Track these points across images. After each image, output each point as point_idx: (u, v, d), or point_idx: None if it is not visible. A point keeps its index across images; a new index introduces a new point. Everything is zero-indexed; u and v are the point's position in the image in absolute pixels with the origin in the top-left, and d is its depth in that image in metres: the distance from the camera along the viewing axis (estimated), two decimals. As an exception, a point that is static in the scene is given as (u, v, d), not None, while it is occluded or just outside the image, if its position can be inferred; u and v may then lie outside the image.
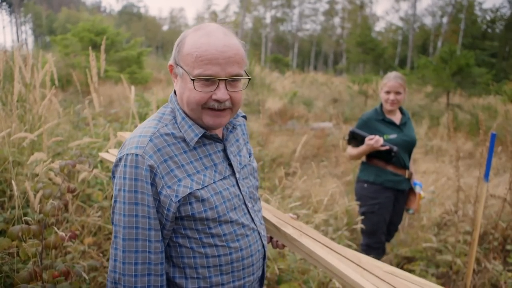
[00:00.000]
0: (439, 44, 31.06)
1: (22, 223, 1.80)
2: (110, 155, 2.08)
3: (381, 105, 2.97)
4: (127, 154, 1.07)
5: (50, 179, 2.60)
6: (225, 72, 1.08)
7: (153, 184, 1.06)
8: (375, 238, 2.98)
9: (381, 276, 1.36)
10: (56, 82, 3.06)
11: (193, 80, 1.07)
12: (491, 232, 3.49)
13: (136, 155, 1.05)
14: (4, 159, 2.50)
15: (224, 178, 1.18)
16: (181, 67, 1.11)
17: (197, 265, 1.14)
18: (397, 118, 2.96)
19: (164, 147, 1.09)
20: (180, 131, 1.14)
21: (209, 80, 1.08)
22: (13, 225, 2.12)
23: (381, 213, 2.92)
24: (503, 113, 10.13)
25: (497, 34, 27.35)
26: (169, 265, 1.16)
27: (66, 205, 2.17)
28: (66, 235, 1.79)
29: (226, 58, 1.07)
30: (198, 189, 1.10)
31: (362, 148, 2.81)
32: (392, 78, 2.86)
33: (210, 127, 1.15)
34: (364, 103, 12.51)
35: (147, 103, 6.14)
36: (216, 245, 1.14)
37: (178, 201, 1.08)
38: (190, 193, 1.09)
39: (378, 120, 2.93)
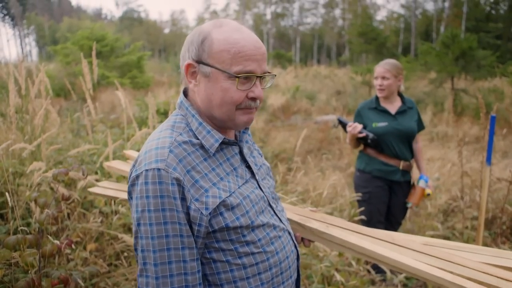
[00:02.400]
0: (442, 29, 30.61)
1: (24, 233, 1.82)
2: (101, 189, 2.03)
3: (378, 94, 2.96)
4: (147, 170, 0.96)
5: (51, 188, 2.62)
6: (261, 68, 1.05)
7: (183, 198, 0.97)
8: (371, 227, 2.96)
9: (419, 249, 1.34)
10: (50, 91, 3.07)
11: (237, 77, 1.01)
12: (499, 216, 3.44)
13: (158, 169, 0.95)
14: (5, 170, 2.52)
15: (246, 181, 1.13)
16: (210, 66, 1.03)
17: (236, 279, 1.06)
18: (394, 106, 2.91)
19: (185, 157, 1.01)
20: (198, 138, 1.07)
21: (247, 78, 1.03)
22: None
23: (372, 203, 2.91)
24: (510, 94, 9.97)
25: (501, 15, 26.86)
26: (204, 284, 1.07)
27: (61, 213, 2.18)
28: (63, 243, 1.80)
29: (262, 54, 1.05)
30: (227, 197, 1.04)
31: (347, 135, 2.88)
32: (380, 65, 2.86)
33: (241, 126, 1.10)
34: (368, 93, 12.42)
35: (147, 107, 6.15)
36: (252, 253, 1.07)
37: (209, 213, 1.00)
38: (219, 203, 1.02)
39: (371, 109, 2.93)
